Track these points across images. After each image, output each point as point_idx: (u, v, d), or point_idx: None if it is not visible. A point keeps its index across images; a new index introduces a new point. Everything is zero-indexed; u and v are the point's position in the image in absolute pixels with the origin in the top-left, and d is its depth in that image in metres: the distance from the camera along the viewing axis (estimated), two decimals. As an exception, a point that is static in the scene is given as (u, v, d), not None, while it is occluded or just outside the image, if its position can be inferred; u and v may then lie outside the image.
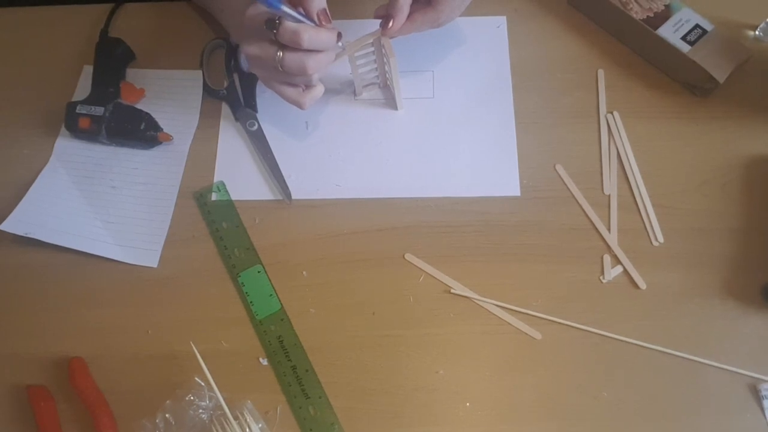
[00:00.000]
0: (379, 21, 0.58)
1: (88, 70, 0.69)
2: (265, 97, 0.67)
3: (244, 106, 0.66)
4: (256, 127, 0.66)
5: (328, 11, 0.53)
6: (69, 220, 0.62)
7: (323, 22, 0.53)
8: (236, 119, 0.66)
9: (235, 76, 0.68)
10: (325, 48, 0.54)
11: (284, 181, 0.63)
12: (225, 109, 0.67)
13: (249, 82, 0.67)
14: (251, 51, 0.55)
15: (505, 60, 0.68)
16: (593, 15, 0.69)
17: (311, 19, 0.53)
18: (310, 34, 0.52)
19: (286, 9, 0.51)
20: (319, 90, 0.58)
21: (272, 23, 0.52)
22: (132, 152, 0.66)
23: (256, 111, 0.66)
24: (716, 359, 0.54)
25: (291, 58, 0.53)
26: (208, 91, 0.68)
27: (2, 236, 0.59)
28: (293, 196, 0.63)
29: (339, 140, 0.65)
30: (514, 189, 0.62)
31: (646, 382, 0.54)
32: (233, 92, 0.67)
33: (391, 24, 0.57)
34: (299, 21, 0.52)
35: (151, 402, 0.54)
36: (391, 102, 0.66)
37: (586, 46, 0.69)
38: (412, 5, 0.57)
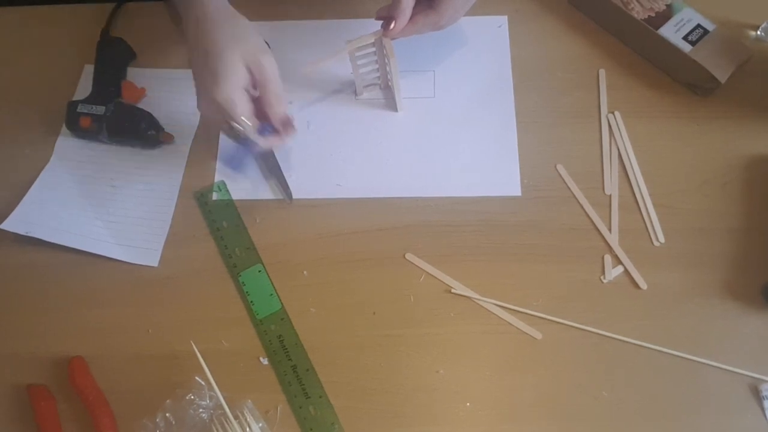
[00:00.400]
0: (380, 22, 0.58)
1: (89, 70, 0.69)
2: (265, 96, 0.67)
3: (244, 106, 0.66)
4: (256, 126, 0.66)
5: (291, 119, 0.56)
6: (70, 219, 0.62)
7: (287, 132, 0.56)
8: (237, 119, 0.67)
9: (236, 76, 0.68)
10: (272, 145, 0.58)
11: (285, 180, 0.63)
12: (226, 108, 0.67)
13: (250, 81, 0.67)
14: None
15: (506, 60, 0.68)
16: (594, 15, 0.69)
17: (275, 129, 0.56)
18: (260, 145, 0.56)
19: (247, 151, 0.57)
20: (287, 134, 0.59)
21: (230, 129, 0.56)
22: (133, 151, 0.66)
23: (256, 110, 0.66)
24: (716, 359, 0.54)
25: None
26: (209, 91, 0.68)
27: (3, 236, 0.59)
28: (294, 196, 0.63)
29: (340, 140, 0.65)
30: (514, 189, 0.62)
31: (647, 382, 0.54)
32: (234, 92, 0.67)
33: (392, 26, 0.57)
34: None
35: (151, 401, 0.54)
36: (391, 102, 0.66)
37: (587, 45, 0.68)
38: (414, 7, 0.57)
